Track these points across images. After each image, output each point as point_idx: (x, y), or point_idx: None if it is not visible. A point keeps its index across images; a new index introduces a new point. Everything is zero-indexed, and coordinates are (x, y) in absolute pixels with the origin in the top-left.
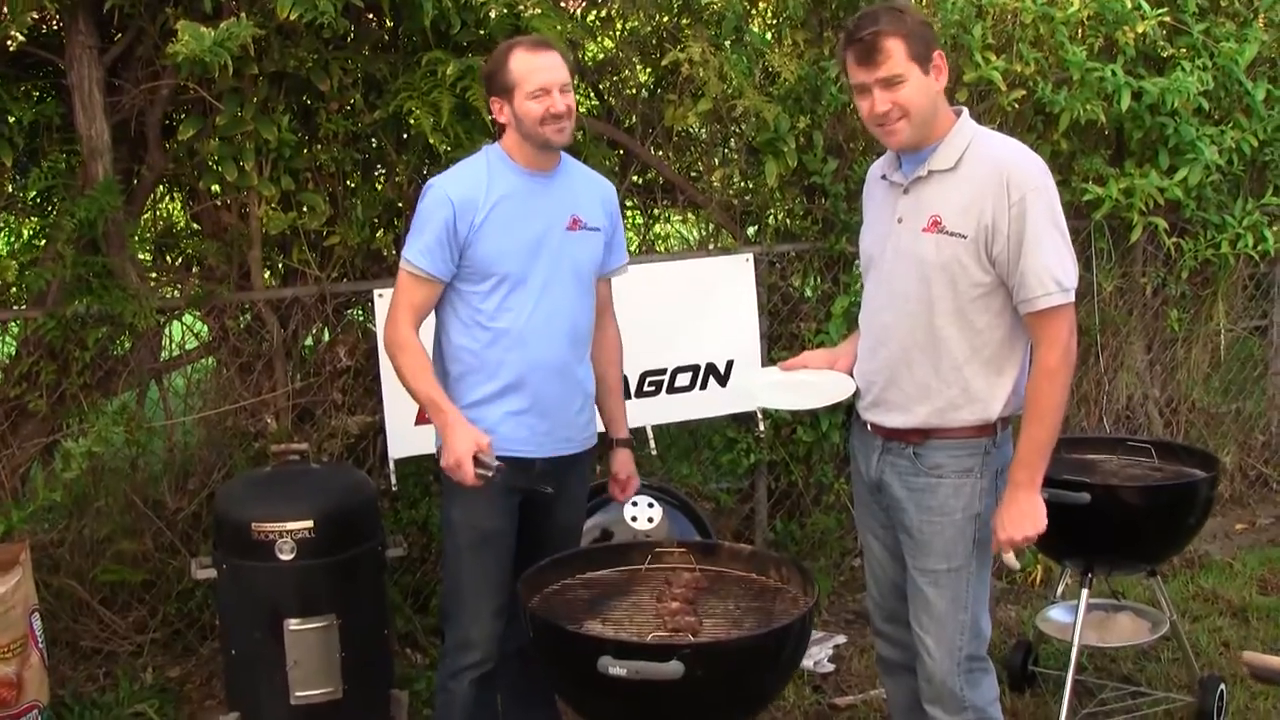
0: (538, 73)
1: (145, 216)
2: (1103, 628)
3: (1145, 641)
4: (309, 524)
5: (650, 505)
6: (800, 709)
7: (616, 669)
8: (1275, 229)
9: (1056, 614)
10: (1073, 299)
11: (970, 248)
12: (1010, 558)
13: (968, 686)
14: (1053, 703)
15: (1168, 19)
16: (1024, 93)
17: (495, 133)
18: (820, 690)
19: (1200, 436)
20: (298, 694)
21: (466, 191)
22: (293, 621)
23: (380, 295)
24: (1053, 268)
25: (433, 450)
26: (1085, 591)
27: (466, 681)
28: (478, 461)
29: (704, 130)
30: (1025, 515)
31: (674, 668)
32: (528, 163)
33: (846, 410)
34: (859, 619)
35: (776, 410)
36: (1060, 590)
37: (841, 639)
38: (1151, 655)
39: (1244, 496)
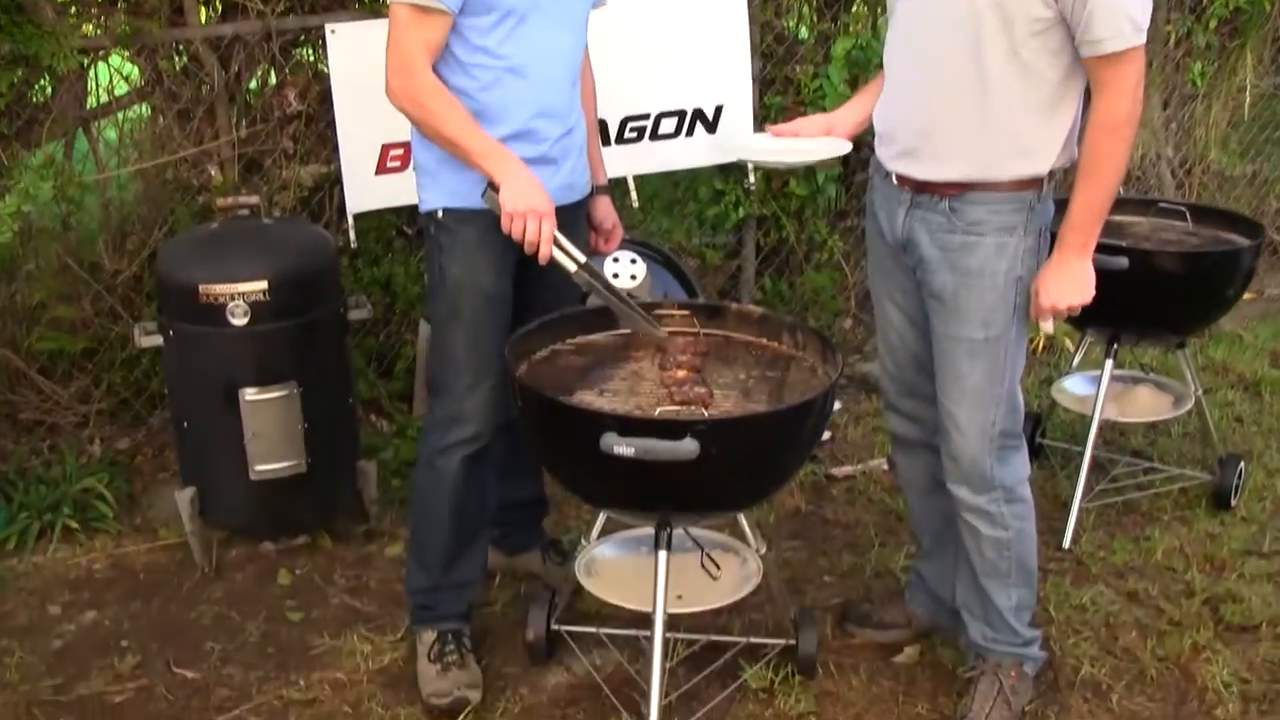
0: None
1: None
2: (1121, 401)
3: (1169, 417)
4: (263, 285)
5: (633, 261)
6: (796, 480)
7: (623, 448)
8: None
9: (1072, 385)
10: (1144, 41)
11: None
12: (1048, 325)
13: (998, 465)
14: (1061, 477)
15: None
16: None
17: None
18: (816, 460)
19: (1212, 199)
20: (258, 468)
21: None
22: (249, 391)
23: (333, 31)
24: (1126, 3)
25: (395, 204)
26: (1110, 362)
27: (458, 458)
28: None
29: None
30: (1074, 282)
31: (688, 446)
32: None
33: (843, 161)
34: (853, 384)
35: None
36: (1077, 360)
37: (836, 405)
38: (1162, 429)
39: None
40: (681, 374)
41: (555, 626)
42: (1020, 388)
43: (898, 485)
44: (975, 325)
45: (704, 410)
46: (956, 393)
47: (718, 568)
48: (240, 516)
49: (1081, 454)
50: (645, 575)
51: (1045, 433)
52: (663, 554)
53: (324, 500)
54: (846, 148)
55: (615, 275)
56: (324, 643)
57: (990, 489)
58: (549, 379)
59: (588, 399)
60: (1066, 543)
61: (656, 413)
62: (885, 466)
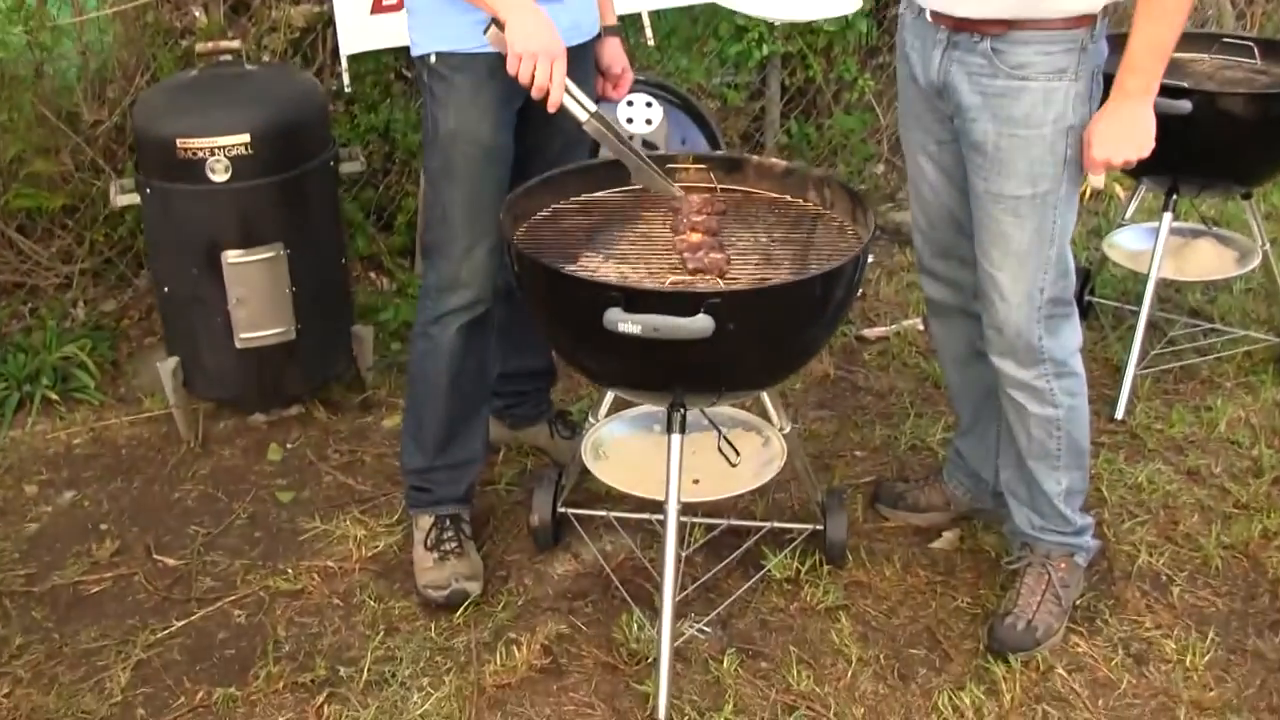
0: None
1: None
2: (1180, 257)
3: (1235, 275)
4: (245, 138)
5: (648, 105)
6: (826, 342)
7: (628, 326)
8: None
9: (1125, 238)
10: None
11: None
12: (1098, 180)
13: (1047, 335)
14: (1113, 339)
15: None
16: None
17: None
18: (846, 320)
19: (1277, 31)
20: (243, 336)
21: None
22: (232, 254)
23: None
24: None
25: (393, 45)
26: (1168, 215)
27: (454, 327)
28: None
29: None
30: (1132, 132)
31: (701, 323)
32: None
33: None
34: (886, 235)
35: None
36: (1130, 211)
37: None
38: (1222, 286)
39: None
40: (696, 237)
41: (562, 509)
42: (1070, 248)
43: (934, 350)
44: (1020, 181)
45: (719, 281)
46: (999, 256)
47: (737, 454)
48: (227, 387)
49: (1136, 315)
50: (658, 456)
51: (1094, 290)
52: (675, 438)
53: (316, 369)
54: (855, 4)
55: (629, 120)
56: (314, 526)
57: (1038, 362)
58: (550, 242)
59: (591, 265)
60: (1120, 413)
61: (667, 283)
62: (921, 327)
